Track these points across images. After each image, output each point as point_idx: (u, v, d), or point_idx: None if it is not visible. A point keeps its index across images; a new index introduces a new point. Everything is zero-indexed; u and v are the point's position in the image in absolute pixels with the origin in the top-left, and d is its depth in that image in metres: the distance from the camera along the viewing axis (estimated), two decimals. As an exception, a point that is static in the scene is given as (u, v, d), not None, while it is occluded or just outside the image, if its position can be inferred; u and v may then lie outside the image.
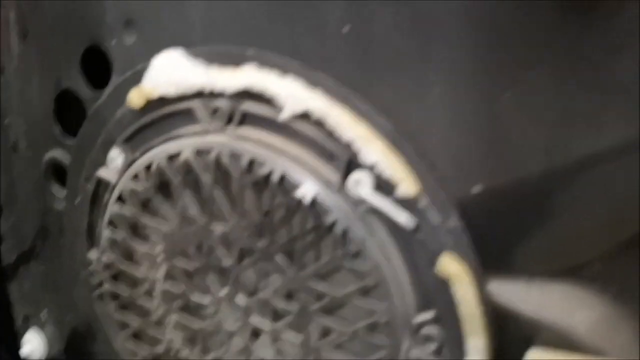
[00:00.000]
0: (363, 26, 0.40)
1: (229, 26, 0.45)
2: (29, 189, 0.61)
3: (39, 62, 0.55)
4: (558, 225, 0.38)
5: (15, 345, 0.67)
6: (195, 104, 0.46)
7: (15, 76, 0.57)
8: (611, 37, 0.35)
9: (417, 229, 0.40)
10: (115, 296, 0.54)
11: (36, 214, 0.61)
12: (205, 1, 0.45)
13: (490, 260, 0.39)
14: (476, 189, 0.39)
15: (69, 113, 0.56)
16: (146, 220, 0.50)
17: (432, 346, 0.42)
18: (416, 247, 0.40)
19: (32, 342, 0.65)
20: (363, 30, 0.40)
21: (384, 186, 0.40)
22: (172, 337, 0.52)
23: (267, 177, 0.43)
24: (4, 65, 0.57)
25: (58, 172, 0.59)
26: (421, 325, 0.42)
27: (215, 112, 0.46)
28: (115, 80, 0.51)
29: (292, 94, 0.42)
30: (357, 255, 0.42)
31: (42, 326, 0.65)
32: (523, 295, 0.39)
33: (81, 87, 0.53)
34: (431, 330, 0.41)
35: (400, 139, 0.40)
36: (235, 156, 0.44)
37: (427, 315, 0.41)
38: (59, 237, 0.60)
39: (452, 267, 0.39)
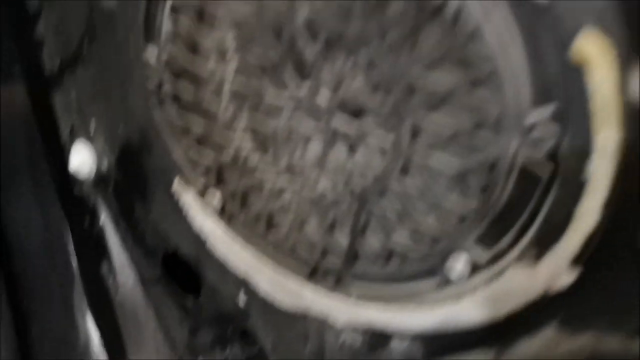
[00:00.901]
0: None
1: None
2: (72, -16, 0.55)
3: None
4: None
5: (63, 159, 0.63)
6: None
7: None
8: None
9: (551, 4, 0.34)
10: (176, 98, 0.49)
11: (81, 13, 0.55)
12: None
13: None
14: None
15: None
16: (215, 5, 0.44)
17: (546, 146, 0.37)
18: (545, 28, 0.34)
19: (80, 155, 0.61)
20: None
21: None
22: (240, 142, 0.48)
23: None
24: None
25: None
26: (536, 122, 0.36)
27: None
28: None
29: None
30: (470, 39, 0.36)
31: (90, 139, 0.61)
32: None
33: None
34: (547, 128, 0.36)
35: None
36: None
37: (545, 110, 0.36)
38: (108, 37, 0.54)
39: (591, 47, 0.33)
